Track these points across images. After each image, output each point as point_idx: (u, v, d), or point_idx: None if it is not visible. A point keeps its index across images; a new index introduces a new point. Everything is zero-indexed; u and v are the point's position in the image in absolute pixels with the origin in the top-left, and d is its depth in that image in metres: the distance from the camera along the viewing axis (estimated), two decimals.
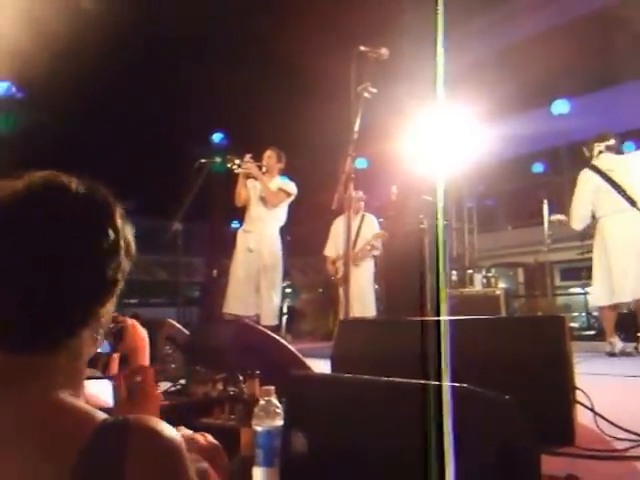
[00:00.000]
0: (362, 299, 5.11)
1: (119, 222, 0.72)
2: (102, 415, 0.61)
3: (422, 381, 0.86)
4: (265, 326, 4.22)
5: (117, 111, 9.17)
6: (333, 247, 5.37)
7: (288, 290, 8.26)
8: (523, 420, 0.81)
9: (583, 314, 5.96)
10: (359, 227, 5.35)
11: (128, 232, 0.75)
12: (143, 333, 1.60)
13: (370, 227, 5.46)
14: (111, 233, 0.70)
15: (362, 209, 5.49)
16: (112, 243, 0.69)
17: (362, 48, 2.95)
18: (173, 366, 2.48)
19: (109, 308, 0.73)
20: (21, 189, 0.68)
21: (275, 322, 4.48)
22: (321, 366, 2.09)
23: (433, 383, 0.80)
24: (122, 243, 0.72)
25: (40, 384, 0.63)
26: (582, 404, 1.53)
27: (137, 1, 6.95)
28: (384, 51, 3.03)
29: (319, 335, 8.03)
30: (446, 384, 0.78)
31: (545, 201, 5.14)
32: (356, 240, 5.21)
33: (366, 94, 2.91)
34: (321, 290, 8.56)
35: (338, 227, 5.30)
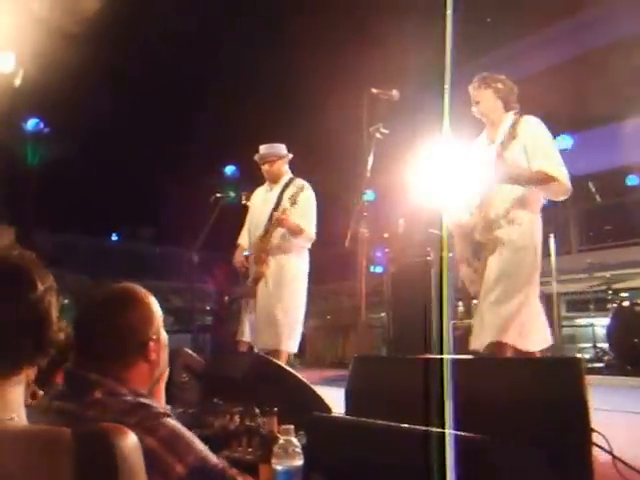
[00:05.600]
0: (273, 320, 3.48)
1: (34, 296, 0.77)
2: (63, 429, 0.66)
3: (443, 430, 0.91)
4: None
5: (135, 144, 9.47)
6: (247, 234, 3.95)
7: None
8: (548, 473, 0.85)
9: (590, 346, 5.96)
10: (281, 193, 3.67)
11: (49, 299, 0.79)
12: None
13: (307, 200, 3.65)
14: (24, 306, 0.75)
15: (287, 172, 3.80)
16: (29, 313, 0.75)
17: (374, 90, 3.08)
18: (189, 394, 2.53)
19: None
20: None
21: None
22: (333, 394, 2.13)
23: (455, 433, 0.86)
24: (39, 313, 0.77)
25: None
26: (600, 447, 1.53)
27: (154, 37, 7.24)
28: (395, 92, 3.15)
29: (327, 362, 8.04)
30: (468, 435, 0.83)
31: (551, 235, 5.22)
32: (276, 208, 3.63)
33: (378, 135, 3.04)
34: (329, 317, 8.61)
35: (255, 203, 3.89)
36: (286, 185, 3.73)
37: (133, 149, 9.88)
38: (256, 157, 3.84)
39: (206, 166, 9.47)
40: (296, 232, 3.59)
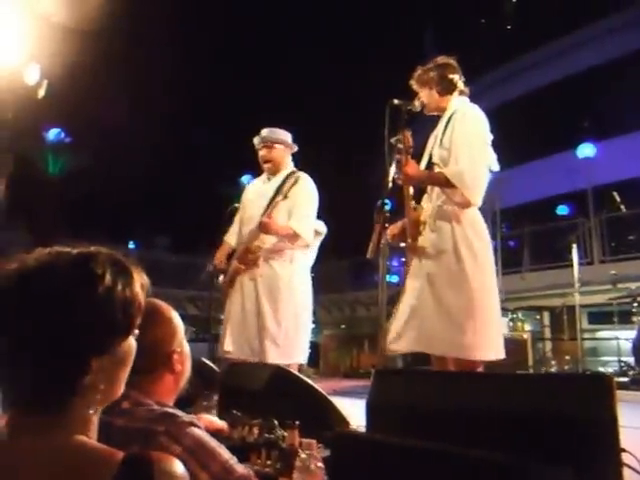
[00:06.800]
0: (272, 334, 3.03)
1: (103, 291, 0.75)
2: (119, 451, 0.67)
3: (472, 452, 0.88)
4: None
5: (154, 154, 9.61)
6: (236, 230, 3.41)
7: (311, 326, 8.35)
8: None
9: (614, 359, 5.81)
10: (279, 187, 3.17)
11: (121, 291, 0.77)
12: None
13: (300, 191, 3.15)
14: (94, 304, 0.73)
15: (289, 164, 3.30)
16: (97, 312, 0.73)
17: (395, 101, 3.05)
18: (205, 403, 2.51)
19: (108, 366, 0.76)
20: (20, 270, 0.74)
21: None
22: (348, 406, 2.10)
23: (484, 456, 0.82)
24: (109, 308, 0.74)
25: (52, 435, 0.68)
26: (631, 468, 1.48)
27: (174, 51, 7.36)
28: (417, 103, 3.12)
29: (342, 372, 8.00)
30: (497, 455, 0.80)
31: (574, 245, 5.13)
32: (269, 205, 3.12)
33: (400, 145, 3.00)
34: (344, 327, 8.58)
35: (249, 196, 3.42)
36: (286, 178, 3.22)
37: (151, 158, 10.04)
38: (255, 140, 3.39)
39: (222, 175, 9.58)
40: (289, 236, 3.12)
